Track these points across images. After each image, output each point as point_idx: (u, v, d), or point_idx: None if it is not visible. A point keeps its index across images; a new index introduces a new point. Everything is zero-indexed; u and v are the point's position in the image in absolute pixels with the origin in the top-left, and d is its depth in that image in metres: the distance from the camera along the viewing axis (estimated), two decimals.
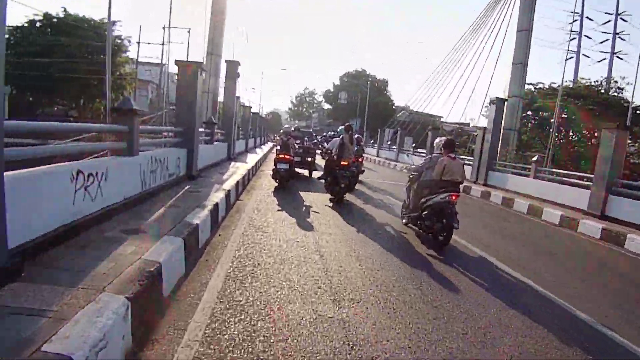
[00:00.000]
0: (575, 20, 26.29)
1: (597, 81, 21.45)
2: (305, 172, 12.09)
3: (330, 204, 7.78)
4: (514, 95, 18.14)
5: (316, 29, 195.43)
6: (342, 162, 7.86)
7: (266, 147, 25.66)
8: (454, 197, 5.29)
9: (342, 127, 8.69)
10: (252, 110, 25.54)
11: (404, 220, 6.46)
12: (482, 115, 24.71)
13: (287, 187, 9.19)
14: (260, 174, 12.14)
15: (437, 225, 5.32)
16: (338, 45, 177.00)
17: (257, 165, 13.15)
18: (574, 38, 27.88)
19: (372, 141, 33.31)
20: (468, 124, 36.50)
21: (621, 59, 28.30)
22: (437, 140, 6.25)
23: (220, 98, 17.45)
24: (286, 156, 8.95)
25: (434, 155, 5.92)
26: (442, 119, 35.67)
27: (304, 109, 73.62)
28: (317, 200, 8.08)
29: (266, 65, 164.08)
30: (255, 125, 27.61)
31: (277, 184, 9.14)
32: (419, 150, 23.51)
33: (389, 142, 28.72)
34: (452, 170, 5.40)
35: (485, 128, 14.35)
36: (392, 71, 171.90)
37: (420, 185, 5.84)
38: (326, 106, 57.06)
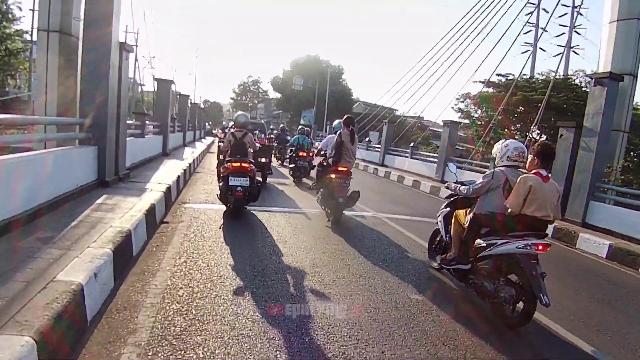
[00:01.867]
0: (530, 13, 27.64)
1: (562, 75, 22.44)
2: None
3: (329, 225, 6.17)
4: (622, 73, 8.99)
5: (260, 10, 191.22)
6: (339, 168, 6.34)
7: (206, 142, 23.37)
8: (541, 248, 3.25)
9: (339, 120, 7.15)
10: (179, 91, 24.09)
11: (435, 264, 4.62)
12: (452, 108, 24.94)
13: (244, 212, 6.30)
14: (194, 176, 10.12)
15: (507, 290, 3.39)
16: (285, 29, 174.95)
17: (195, 163, 11.83)
18: (530, 30, 29.43)
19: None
20: (422, 118, 37.20)
21: (577, 53, 30.26)
22: (500, 144, 3.86)
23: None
24: (244, 165, 5.92)
25: (497, 169, 3.74)
26: (396, 112, 35.91)
27: (248, 99, 71.50)
28: (304, 224, 6.06)
29: (204, 49, 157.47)
30: (194, 116, 25.97)
31: (226, 208, 6.11)
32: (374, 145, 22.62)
33: (368, 140, 25.61)
34: (543, 198, 3.33)
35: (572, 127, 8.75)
36: (346, 58, 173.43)
37: (476, 220, 3.70)
38: (274, 95, 53.67)
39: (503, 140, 3.95)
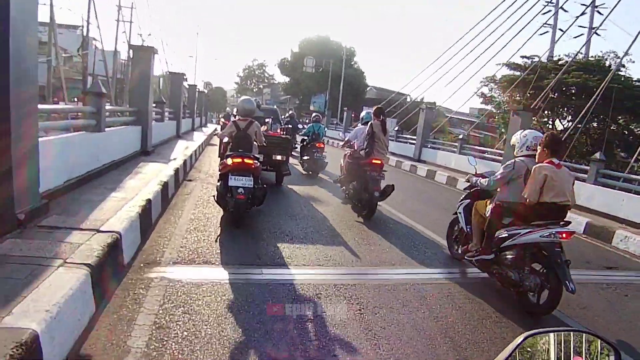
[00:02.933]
0: None
1: (595, 56, 21.43)
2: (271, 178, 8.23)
3: (361, 220, 6.14)
4: None
5: None
6: (373, 161, 6.23)
7: (207, 130, 22.14)
8: (564, 236, 3.40)
9: (367, 111, 7.24)
10: (189, 82, 25.15)
11: (454, 252, 4.81)
12: (475, 93, 24.24)
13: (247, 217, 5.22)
14: (192, 175, 8.68)
15: (532, 279, 3.53)
16: (291, 8, 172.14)
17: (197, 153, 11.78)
18: (549, 10, 28.33)
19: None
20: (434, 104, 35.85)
21: (599, 35, 29.15)
22: (519, 135, 4.02)
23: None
24: (246, 161, 4.99)
25: (518, 159, 3.89)
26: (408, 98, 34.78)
27: (253, 84, 70.81)
28: (333, 220, 5.74)
29: (206, 32, 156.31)
30: (201, 104, 26.39)
31: (225, 213, 5.32)
32: (405, 135, 21.24)
33: (397, 129, 22.68)
34: (559, 184, 3.50)
35: None
36: (356, 40, 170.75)
37: (497, 210, 3.84)
38: (281, 79, 52.49)
39: (521, 130, 4.16)
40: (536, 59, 20.99)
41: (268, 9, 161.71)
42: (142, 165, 7.43)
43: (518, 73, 20.72)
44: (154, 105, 10.94)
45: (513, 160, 3.92)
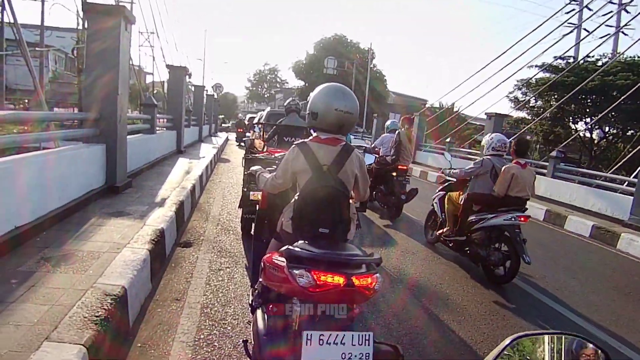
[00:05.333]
0: None
1: (636, 56, 20.88)
2: None
3: (389, 223, 6.96)
4: None
5: None
6: (399, 167, 7.17)
7: (218, 141, 20.42)
8: (523, 219, 4.55)
9: (392, 120, 8.39)
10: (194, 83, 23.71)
11: (430, 238, 5.86)
12: (508, 97, 23.77)
13: None
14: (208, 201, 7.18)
15: (496, 255, 4.65)
16: (305, 11, 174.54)
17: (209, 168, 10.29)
18: (573, 10, 27.86)
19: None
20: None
21: (626, 34, 28.24)
22: (488, 138, 5.16)
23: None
24: (355, 281, 1.84)
25: (485, 158, 4.98)
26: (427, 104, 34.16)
27: (264, 89, 71.57)
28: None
29: (216, 34, 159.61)
30: (210, 109, 25.74)
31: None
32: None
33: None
34: (522, 182, 4.66)
35: None
36: (374, 40, 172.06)
37: (469, 200, 4.97)
38: (294, 83, 51.80)
39: (490, 135, 5.19)
40: (571, 60, 20.69)
41: (280, 10, 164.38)
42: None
43: (553, 75, 20.44)
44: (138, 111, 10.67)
45: (482, 159, 5.00)
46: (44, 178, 4.06)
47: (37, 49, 19.29)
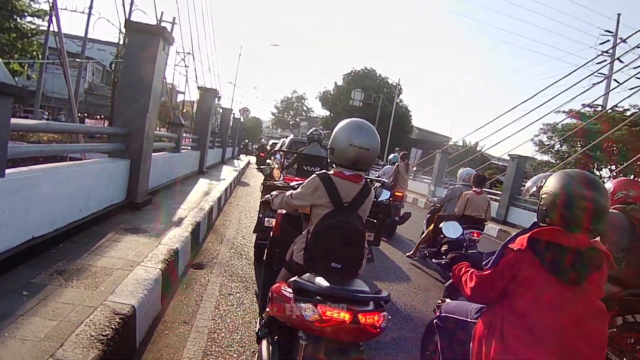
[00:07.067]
0: (608, 40, 26.09)
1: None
2: None
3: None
4: None
5: (306, 26, 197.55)
6: (396, 193, 8.14)
7: (239, 164, 20.95)
8: (475, 235, 5.65)
9: (394, 154, 9.63)
10: (222, 106, 23.78)
11: (408, 253, 6.67)
12: (532, 140, 23.75)
13: None
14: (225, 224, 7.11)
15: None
16: (333, 45, 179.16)
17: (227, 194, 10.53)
18: (604, 60, 27.59)
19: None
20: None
21: None
22: (461, 171, 6.64)
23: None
24: (365, 321, 1.82)
25: (456, 186, 6.43)
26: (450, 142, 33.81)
27: (290, 117, 72.45)
28: None
29: (246, 60, 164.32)
30: (236, 132, 26.39)
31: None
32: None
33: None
34: (476, 204, 5.81)
35: None
36: (404, 76, 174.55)
37: (440, 219, 5.90)
38: (319, 113, 52.79)
39: (463, 169, 6.68)
40: (599, 108, 20.48)
41: (316, 42, 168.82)
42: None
43: (579, 122, 20.23)
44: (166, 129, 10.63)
45: (452, 187, 6.60)
46: (69, 190, 4.07)
47: (77, 60, 20.00)
